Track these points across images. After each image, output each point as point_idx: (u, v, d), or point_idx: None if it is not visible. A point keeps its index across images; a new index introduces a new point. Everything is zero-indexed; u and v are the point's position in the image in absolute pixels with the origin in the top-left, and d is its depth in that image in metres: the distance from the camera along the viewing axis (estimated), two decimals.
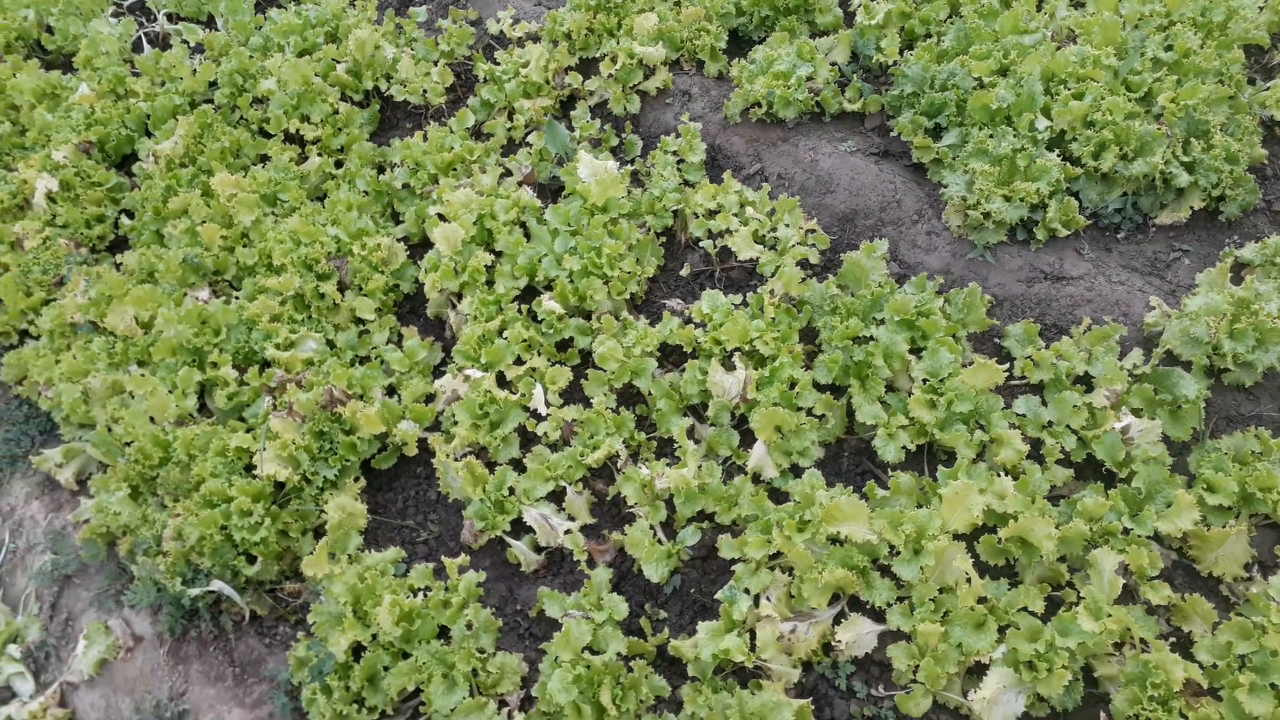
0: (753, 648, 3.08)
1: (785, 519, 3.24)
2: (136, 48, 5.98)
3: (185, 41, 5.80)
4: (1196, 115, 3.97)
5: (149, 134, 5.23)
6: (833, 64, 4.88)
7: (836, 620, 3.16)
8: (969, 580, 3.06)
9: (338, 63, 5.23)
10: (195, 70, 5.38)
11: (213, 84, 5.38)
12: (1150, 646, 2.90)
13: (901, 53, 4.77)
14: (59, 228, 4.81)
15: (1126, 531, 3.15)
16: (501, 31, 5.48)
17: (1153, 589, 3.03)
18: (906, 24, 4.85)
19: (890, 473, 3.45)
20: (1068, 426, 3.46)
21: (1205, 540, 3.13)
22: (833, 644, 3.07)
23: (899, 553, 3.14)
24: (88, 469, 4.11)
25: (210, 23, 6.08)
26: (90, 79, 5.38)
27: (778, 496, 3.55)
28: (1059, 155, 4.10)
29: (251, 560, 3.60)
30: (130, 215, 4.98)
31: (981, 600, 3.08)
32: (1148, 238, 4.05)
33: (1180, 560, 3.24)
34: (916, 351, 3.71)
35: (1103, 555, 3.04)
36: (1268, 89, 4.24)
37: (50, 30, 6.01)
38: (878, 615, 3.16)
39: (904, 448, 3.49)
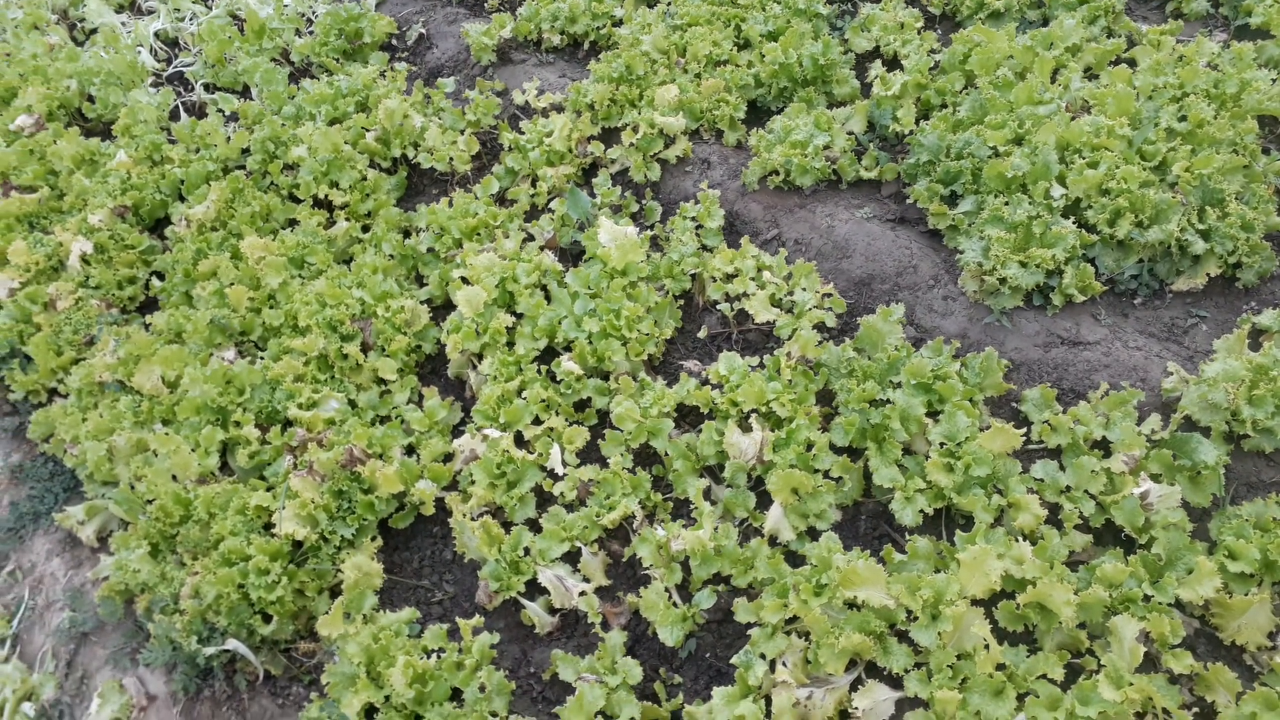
0: (768, 714, 3.04)
1: (802, 583, 3.22)
2: (174, 116, 6.18)
3: (220, 110, 6.00)
4: (1211, 184, 4.01)
5: (182, 199, 5.38)
6: (849, 133, 4.96)
7: (853, 686, 3.11)
8: (987, 646, 3.02)
9: (367, 131, 5.38)
10: (229, 138, 5.55)
11: (245, 151, 5.54)
12: (1173, 717, 2.84)
13: (917, 122, 4.86)
14: (92, 289, 4.93)
15: (1147, 598, 3.10)
16: (526, 102, 5.63)
17: (1175, 658, 2.97)
18: (922, 95, 4.95)
19: (908, 536, 3.43)
20: (1086, 491, 3.43)
21: (1227, 608, 3.08)
22: (849, 711, 3.02)
23: (916, 618, 3.11)
24: (109, 526, 4.15)
25: (245, 93, 6.28)
26: (128, 146, 5.56)
27: (794, 559, 3.53)
28: (1074, 222, 4.14)
29: (267, 619, 3.61)
30: (161, 277, 5.10)
31: (1000, 667, 3.03)
32: (1165, 304, 4.06)
33: (1202, 629, 3.18)
34: (933, 415, 3.71)
35: (1123, 622, 2.99)
36: None
37: (91, 99, 6.23)
38: (895, 682, 3.11)
39: (921, 511, 3.47)
